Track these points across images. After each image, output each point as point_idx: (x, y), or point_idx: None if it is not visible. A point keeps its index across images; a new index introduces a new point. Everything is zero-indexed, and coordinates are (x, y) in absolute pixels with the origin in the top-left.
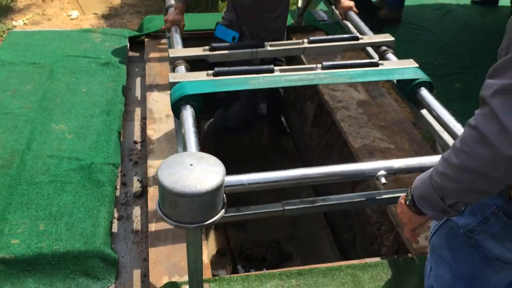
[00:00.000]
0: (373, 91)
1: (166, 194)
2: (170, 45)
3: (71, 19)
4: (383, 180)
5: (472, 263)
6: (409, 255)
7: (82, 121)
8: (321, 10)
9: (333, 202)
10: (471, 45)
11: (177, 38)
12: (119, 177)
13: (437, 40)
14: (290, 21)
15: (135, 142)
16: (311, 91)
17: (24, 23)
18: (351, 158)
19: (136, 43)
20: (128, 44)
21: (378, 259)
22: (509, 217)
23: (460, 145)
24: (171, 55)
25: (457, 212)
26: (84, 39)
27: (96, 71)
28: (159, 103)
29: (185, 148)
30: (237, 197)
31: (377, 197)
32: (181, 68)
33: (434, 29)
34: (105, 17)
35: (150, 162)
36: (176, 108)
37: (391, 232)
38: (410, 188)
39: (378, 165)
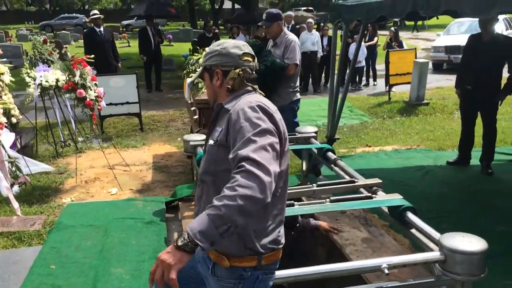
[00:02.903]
0: (373, 232)
1: None
2: None
3: (111, 195)
4: (386, 271)
5: None
6: None
7: (135, 265)
8: (321, 175)
9: None
10: (450, 196)
11: None
12: None
13: (421, 193)
14: (297, 181)
15: None
16: (321, 237)
17: (72, 200)
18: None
19: (170, 208)
20: (165, 208)
21: None
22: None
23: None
24: None
25: (224, 239)
26: (129, 205)
27: (142, 228)
28: None
29: None
30: None
31: (384, 287)
32: None
33: (418, 185)
34: (140, 191)
35: None
36: None
37: None
38: (183, 233)
39: (382, 260)
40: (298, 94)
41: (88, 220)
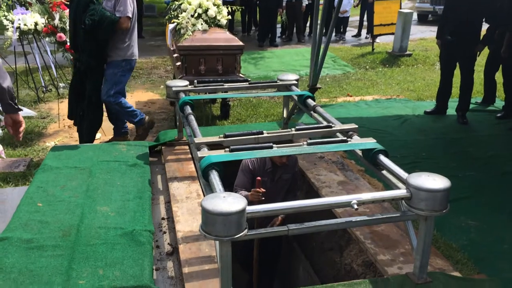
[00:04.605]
0: (349, 176)
1: (208, 216)
2: (191, 137)
3: (95, 139)
4: (355, 207)
5: None
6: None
7: (120, 204)
8: (302, 122)
9: (324, 224)
10: (426, 143)
11: (197, 132)
12: (153, 242)
13: (398, 140)
14: (278, 128)
15: (163, 218)
16: (301, 179)
17: (55, 144)
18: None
19: (154, 152)
20: (148, 152)
21: (363, 280)
22: None
23: None
24: (196, 141)
25: None
26: (113, 149)
27: (126, 170)
28: (180, 189)
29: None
30: None
31: (353, 220)
32: (205, 149)
33: (396, 132)
34: None
35: (178, 228)
36: (205, 172)
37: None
38: None
39: (352, 197)
40: (134, 52)
41: (73, 162)
